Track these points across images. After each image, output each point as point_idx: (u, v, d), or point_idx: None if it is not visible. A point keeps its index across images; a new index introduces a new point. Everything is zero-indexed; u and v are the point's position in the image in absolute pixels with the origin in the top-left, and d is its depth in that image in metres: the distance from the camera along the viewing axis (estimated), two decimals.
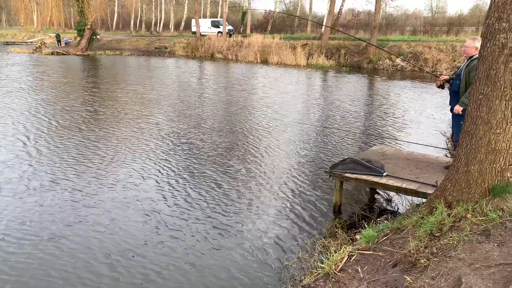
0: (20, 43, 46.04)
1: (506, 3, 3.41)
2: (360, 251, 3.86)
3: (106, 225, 5.37)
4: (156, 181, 6.87)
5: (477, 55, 5.08)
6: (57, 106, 12.81)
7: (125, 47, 39.89)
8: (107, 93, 15.52)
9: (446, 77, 5.89)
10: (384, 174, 5.47)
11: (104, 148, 8.62)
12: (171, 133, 9.84)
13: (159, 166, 7.61)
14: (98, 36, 40.78)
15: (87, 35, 36.84)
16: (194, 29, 40.92)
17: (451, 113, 5.77)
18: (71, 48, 37.36)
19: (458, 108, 5.33)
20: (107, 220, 5.50)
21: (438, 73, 23.19)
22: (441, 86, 5.93)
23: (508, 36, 3.44)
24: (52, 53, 34.03)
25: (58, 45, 40.96)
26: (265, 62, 30.13)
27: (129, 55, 35.90)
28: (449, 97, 5.79)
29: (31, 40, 47.35)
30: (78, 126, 10.37)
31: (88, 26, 36.80)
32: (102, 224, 5.39)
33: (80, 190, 6.42)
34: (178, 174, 7.22)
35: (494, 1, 3.53)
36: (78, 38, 39.47)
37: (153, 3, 57.21)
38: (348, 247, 3.98)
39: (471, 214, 3.54)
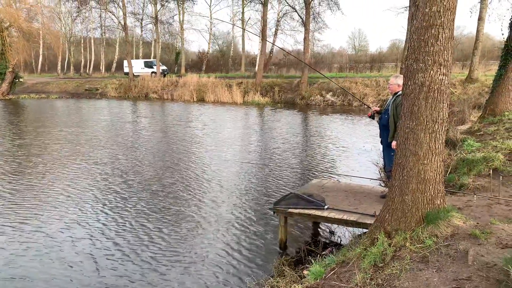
0: None
1: (421, 46, 3.79)
2: None
3: (49, 266, 4.99)
4: (85, 232, 6.41)
5: (401, 91, 5.53)
6: None
7: (52, 90, 37.98)
8: (30, 140, 14.46)
9: (378, 108, 6.28)
10: (326, 207, 5.61)
11: (38, 194, 8.08)
12: (101, 180, 9.33)
13: (97, 209, 7.22)
14: (21, 79, 38.43)
15: (8, 79, 34.62)
16: (126, 69, 40.28)
17: (381, 145, 6.14)
18: None
19: (395, 144, 5.69)
20: (47, 262, 5.07)
21: (365, 106, 24.86)
22: (372, 117, 6.32)
23: (425, 75, 3.79)
24: None
25: None
26: (201, 100, 30.31)
27: (56, 98, 34.23)
28: (378, 129, 6.19)
29: None
30: (8, 173, 9.54)
31: (10, 69, 34.70)
32: (31, 281, 4.93)
33: (2, 249, 5.83)
34: (105, 223, 6.78)
35: (411, 44, 3.91)
36: None
37: (82, 45, 55.71)
38: (297, 286, 3.96)
39: (410, 243, 3.71)
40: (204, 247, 5.89)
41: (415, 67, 3.84)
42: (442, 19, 3.69)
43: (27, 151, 12.52)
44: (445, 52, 3.77)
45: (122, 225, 6.72)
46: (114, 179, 9.38)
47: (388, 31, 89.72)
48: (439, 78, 3.77)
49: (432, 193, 3.89)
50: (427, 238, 3.69)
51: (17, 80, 36.52)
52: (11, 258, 5.55)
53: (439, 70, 3.76)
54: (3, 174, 9.82)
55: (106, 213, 7.24)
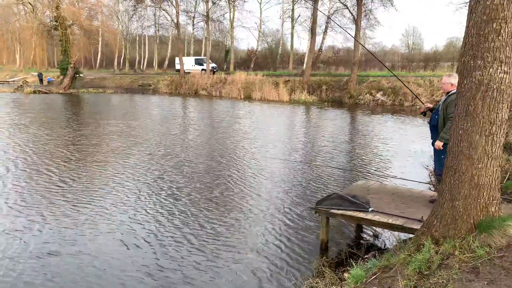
0: (2, 82, 45.66)
1: (480, 42, 3.53)
2: None
3: (98, 259, 5.27)
4: (143, 217, 6.70)
5: (453, 91, 5.21)
6: (40, 144, 12.54)
7: (108, 85, 39.97)
8: (91, 131, 15.32)
9: (431, 105, 5.96)
10: (370, 209, 5.42)
11: (99, 180, 8.69)
12: (155, 172, 9.68)
13: (153, 196, 7.66)
14: (81, 75, 40.82)
15: (70, 74, 36.86)
16: (178, 66, 41.47)
17: (432, 147, 5.83)
18: (54, 87, 37.21)
19: (439, 144, 5.40)
20: (98, 253, 5.38)
21: (418, 106, 23.88)
22: (424, 113, 6.04)
23: (484, 73, 3.53)
24: (34, 92, 33.79)
25: (40, 84, 40.84)
26: (248, 98, 30.51)
27: (112, 93, 35.95)
28: (429, 130, 5.88)
29: (13, 79, 47.06)
30: (63, 164, 10.17)
31: (72, 65, 36.90)
32: (94, 258, 5.30)
33: (69, 228, 6.29)
34: (161, 211, 7.03)
35: (468, 40, 3.65)
36: (61, 77, 39.45)
37: (137, 42, 58.09)
38: None
39: (459, 251, 3.48)
40: (246, 242, 5.92)
41: (473, 64, 3.59)
42: (505, 12, 3.41)
43: (89, 140, 13.40)
44: (508, 48, 3.48)
45: (176, 212, 7.04)
46: (168, 169, 9.90)
47: (445, 28, 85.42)
48: (499, 76, 3.49)
49: (486, 199, 3.62)
50: (479, 247, 3.44)
51: (77, 75, 38.86)
52: (75, 237, 6.01)
53: (499, 67, 3.48)
54: (68, 161, 10.61)
55: (161, 201, 7.63)
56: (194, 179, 9.08)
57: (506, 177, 6.63)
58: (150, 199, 7.74)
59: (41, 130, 15.36)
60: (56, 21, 38.39)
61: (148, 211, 7.13)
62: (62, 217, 6.79)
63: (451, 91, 5.33)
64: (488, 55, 3.49)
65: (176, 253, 5.58)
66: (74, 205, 7.34)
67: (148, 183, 8.75)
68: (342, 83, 28.64)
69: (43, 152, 11.56)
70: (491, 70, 3.50)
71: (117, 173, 9.47)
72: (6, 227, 6.33)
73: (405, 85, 9.15)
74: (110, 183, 8.69)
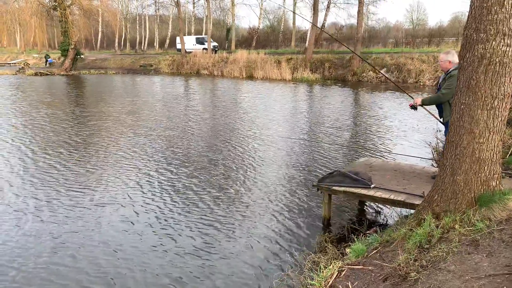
0: (3, 64, 45.47)
1: (483, 14, 3.46)
2: (350, 266, 3.80)
3: (97, 244, 5.26)
4: (144, 199, 6.76)
5: (452, 68, 5.16)
6: (43, 126, 12.59)
7: (110, 66, 39.72)
8: (94, 112, 15.34)
9: (419, 101, 5.57)
10: (372, 186, 5.46)
11: (92, 167, 8.57)
12: (159, 151, 9.74)
13: (147, 183, 7.56)
14: (82, 56, 40.56)
15: (71, 55, 36.65)
16: (179, 46, 41.04)
17: (441, 124, 5.78)
18: (55, 68, 37.05)
19: (417, 101, 5.50)
20: (98, 239, 5.39)
21: (421, 83, 23.69)
22: (414, 108, 5.69)
23: (486, 46, 3.48)
24: (36, 74, 33.65)
25: (46, 65, 40.76)
26: (250, 77, 30.28)
27: (114, 73, 35.75)
28: (436, 108, 5.78)
29: (14, 62, 46.85)
30: (66, 147, 10.23)
31: (72, 46, 36.64)
32: (94, 243, 5.29)
33: (71, 210, 6.31)
34: (164, 191, 7.11)
35: (471, 12, 3.59)
36: (62, 58, 39.24)
37: (137, 21, 57.37)
38: (337, 263, 3.92)
39: (459, 225, 3.52)
40: (249, 221, 5.99)
41: (475, 37, 3.53)
42: None
43: (89, 121, 13.38)
44: (511, 20, 3.42)
45: (174, 193, 7.04)
46: (174, 146, 10.17)
47: (450, 2, 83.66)
48: (502, 49, 3.44)
49: (487, 174, 3.63)
50: (479, 221, 3.47)
51: (78, 56, 38.63)
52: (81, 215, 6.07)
53: (502, 40, 3.43)
54: (73, 139, 10.65)
55: (161, 182, 7.65)
56: (193, 159, 9.13)
57: (509, 152, 6.62)
58: (150, 181, 7.78)
59: (60, 109, 15.41)
60: (55, 1, 37.90)
61: (144, 185, 7.41)
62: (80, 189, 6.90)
63: (450, 69, 5.22)
64: (491, 28, 3.43)
65: (182, 225, 5.70)
66: (75, 186, 7.47)
67: (156, 157, 9.02)
68: (345, 60, 28.30)
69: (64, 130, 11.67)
70: (493, 43, 3.44)
71: (129, 148, 9.86)
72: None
73: (388, 78, 8.99)
74: (110, 165, 8.82)
